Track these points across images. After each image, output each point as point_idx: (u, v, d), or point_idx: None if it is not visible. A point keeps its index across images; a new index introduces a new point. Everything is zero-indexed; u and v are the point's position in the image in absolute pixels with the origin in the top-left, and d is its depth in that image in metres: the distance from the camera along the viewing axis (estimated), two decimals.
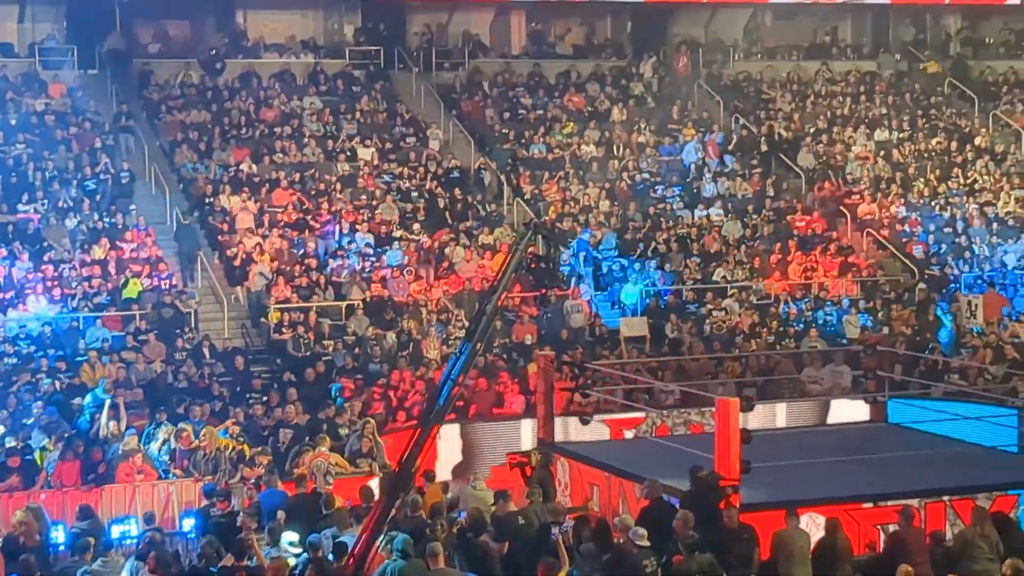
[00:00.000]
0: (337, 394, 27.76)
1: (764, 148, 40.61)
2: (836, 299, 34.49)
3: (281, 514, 19.68)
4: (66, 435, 24.78)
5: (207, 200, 34.85)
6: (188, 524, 21.79)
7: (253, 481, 21.99)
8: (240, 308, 32.38)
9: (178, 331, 30.11)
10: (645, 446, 24.89)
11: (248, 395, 27.44)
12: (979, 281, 35.44)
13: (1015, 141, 42.48)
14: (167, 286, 31.62)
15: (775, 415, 27.91)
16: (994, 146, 41.99)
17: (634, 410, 26.53)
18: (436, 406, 17.83)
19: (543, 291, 19.77)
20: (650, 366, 29.68)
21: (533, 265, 18.61)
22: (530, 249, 18.67)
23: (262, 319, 31.42)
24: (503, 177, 37.74)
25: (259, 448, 24.34)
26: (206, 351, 29.35)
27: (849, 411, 27.86)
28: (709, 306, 33.43)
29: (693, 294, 34.10)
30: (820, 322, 33.13)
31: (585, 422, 24.89)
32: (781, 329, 32.85)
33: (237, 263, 32.94)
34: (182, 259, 33.37)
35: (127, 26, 39.99)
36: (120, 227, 33.33)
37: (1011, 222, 38.41)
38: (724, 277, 34.93)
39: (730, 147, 40.62)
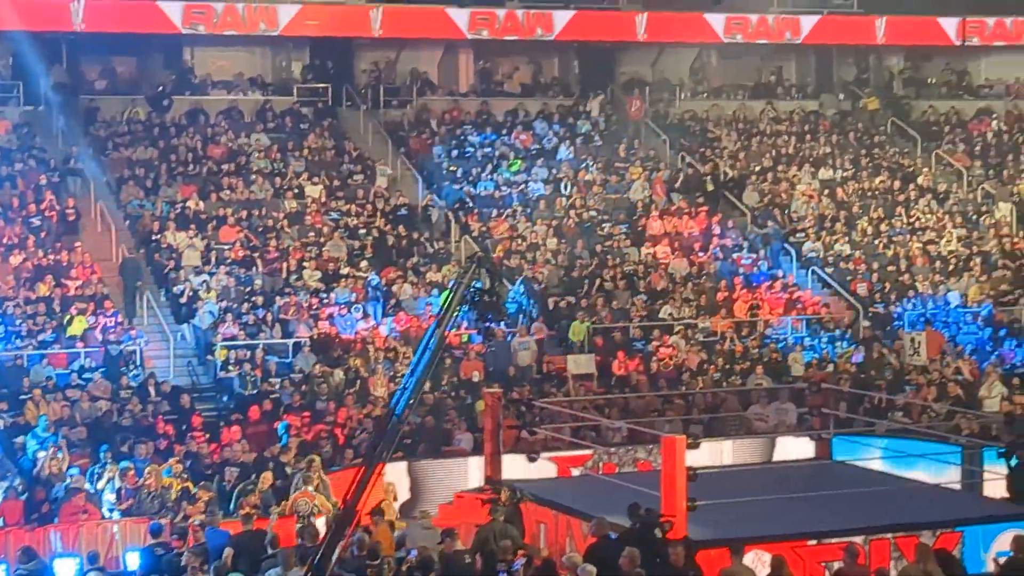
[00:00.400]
0: (284, 432, 27.67)
1: (710, 186, 40.86)
2: (782, 336, 34.70)
3: (228, 552, 19.58)
4: (9, 474, 24.60)
5: (153, 237, 34.74)
6: (132, 561, 21.62)
7: (197, 522, 21.85)
8: (187, 345, 32.26)
9: (123, 369, 29.97)
10: (592, 483, 24.91)
11: (194, 433, 27.30)
12: (922, 319, 35.73)
13: (957, 180, 42.94)
14: (113, 323, 31.47)
15: (721, 452, 27.99)
16: (936, 185, 42.40)
17: (581, 447, 26.55)
18: (381, 443, 17.79)
19: (488, 325, 19.77)
20: (597, 404, 29.75)
21: (477, 299, 18.62)
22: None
23: (208, 356, 31.32)
24: (451, 214, 37.81)
25: (202, 483, 24.27)
26: (151, 389, 29.20)
27: (795, 448, 27.97)
28: (656, 343, 33.55)
29: (640, 331, 34.20)
30: (766, 359, 33.30)
31: (532, 459, 24.91)
32: (727, 366, 33.00)
33: (184, 300, 32.84)
34: (127, 292, 33.24)
35: (73, 63, 39.86)
36: (65, 264, 33.15)
37: (953, 261, 38.76)
38: (671, 314, 35.06)
39: (676, 185, 40.83)
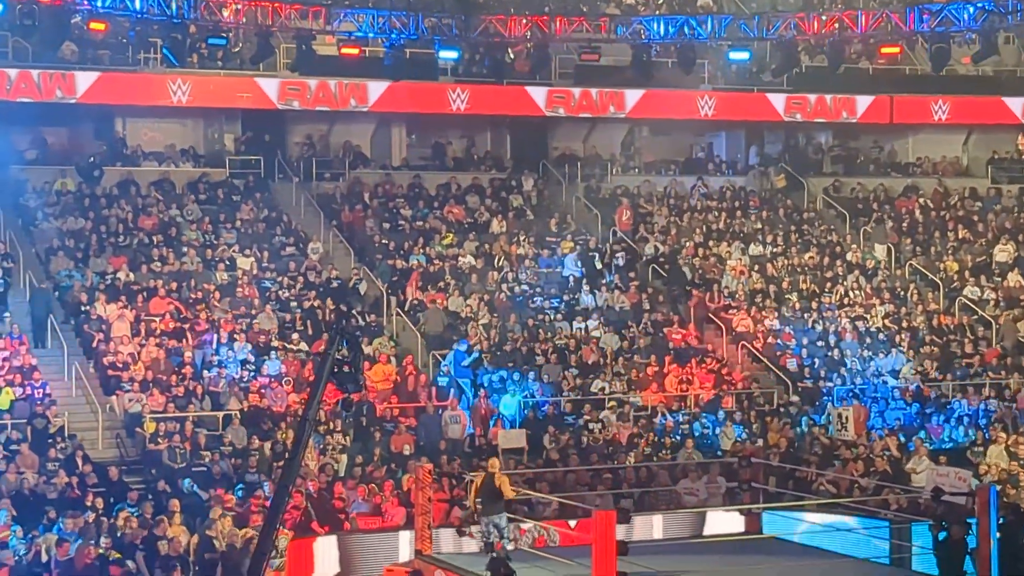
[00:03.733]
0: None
1: (641, 261, 41.13)
2: (712, 411, 34.86)
3: None
4: None
5: (83, 308, 34.52)
6: None
7: None
8: (115, 418, 32.01)
9: (50, 440, 29.69)
10: (523, 557, 24.83)
11: (122, 506, 27.07)
12: (851, 394, 35.98)
13: (884, 257, 43.35)
14: (40, 395, 31.19)
15: (652, 527, 28.02)
16: (865, 261, 42.81)
17: (512, 521, 26.47)
18: (270, 518, 18.05)
19: (344, 395, 20.07)
20: (528, 477, 29.73)
21: (335, 369, 18.89)
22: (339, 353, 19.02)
23: (137, 429, 31.08)
24: (383, 288, 37.80)
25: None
26: (79, 461, 28.96)
27: (725, 523, 28.04)
28: (587, 418, 33.62)
29: (571, 405, 34.27)
30: (696, 434, 33.42)
31: (462, 533, 24.87)
32: (658, 441, 33.10)
33: (112, 372, 32.59)
34: (34, 325, 33.18)
35: (4, 132, 39.64)
36: None
37: (881, 336, 39.13)
38: (602, 389, 35.17)
39: (607, 260, 41.01)
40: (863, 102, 46.18)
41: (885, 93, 46.29)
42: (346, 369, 18.92)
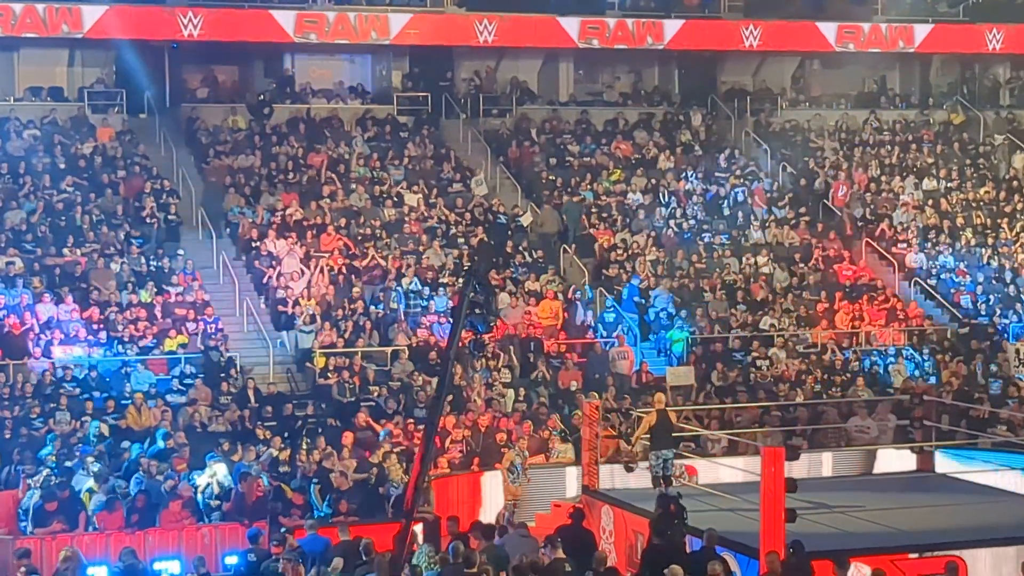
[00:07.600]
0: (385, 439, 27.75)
1: (811, 196, 40.52)
2: (883, 348, 34.32)
3: (339, 561, 19.57)
4: (111, 478, 24.85)
5: (254, 244, 34.94)
6: (230, 564, 21.93)
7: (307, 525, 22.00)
8: (285, 352, 32.44)
9: (223, 375, 30.18)
10: (692, 493, 24.71)
11: (293, 440, 27.44)
12: None
13: None
14: (213, 330, 31.68)
15: (821, 464, 27.74)
16: None
17: (680, 458, 26.38)
18: (425, 455, 18.42)
19: (476, 335, 20.33)
20: (696, 414, 29.55)
21: (468, 312, 19.09)
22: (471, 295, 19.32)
23: (307, 363, 31.45)
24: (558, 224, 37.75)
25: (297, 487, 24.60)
26: (251, 395, 29.41)
27: (895, 461, 27.66)
28: (755, 354, 33.28)
29: (739, 342, 33.96)
30: (867, 371, 32.93)
31: (630, 469, 24.83)
32: (827, 378, 32.67)
33: (283, 308, 32.98)
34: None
35: (176, 71, 40.21)
36: (167, 271, 33.44)
37: None
38: (772, 325, 34.79)
39: (777, 195, 40.50)
40: None
41: None
42: (478, 311, 19.13)
